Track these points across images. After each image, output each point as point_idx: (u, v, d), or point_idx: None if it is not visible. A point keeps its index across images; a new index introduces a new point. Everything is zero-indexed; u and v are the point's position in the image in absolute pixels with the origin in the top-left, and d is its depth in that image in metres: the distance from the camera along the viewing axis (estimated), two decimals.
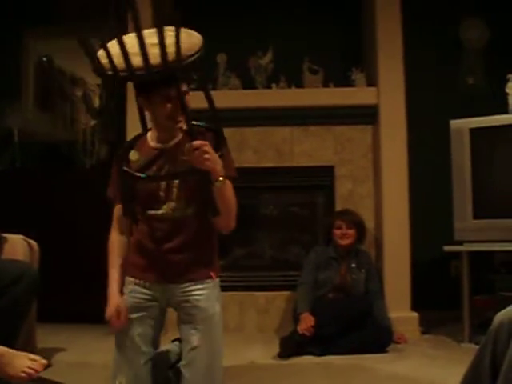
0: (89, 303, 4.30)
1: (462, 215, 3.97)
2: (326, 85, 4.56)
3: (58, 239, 4.33)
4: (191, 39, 2.01)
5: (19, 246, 3.48)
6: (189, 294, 2.26)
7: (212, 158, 2.07)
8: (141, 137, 2.39)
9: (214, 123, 2.25)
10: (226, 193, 2.17)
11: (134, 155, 2.28)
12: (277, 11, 4.80)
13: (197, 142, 2.05)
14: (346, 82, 4.55)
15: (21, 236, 3.54)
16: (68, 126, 5.22)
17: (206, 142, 2.07)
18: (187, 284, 2.26)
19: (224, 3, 4.74)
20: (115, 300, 2.27)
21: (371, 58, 4.54)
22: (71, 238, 4.47)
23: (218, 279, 2.35)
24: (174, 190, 2.26)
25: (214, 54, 4.56)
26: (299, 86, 4.57)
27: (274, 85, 4.55)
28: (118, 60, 1.91)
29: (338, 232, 4.01)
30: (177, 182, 2.25)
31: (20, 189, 4.50)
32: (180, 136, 2.28)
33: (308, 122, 4.50)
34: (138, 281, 2.31)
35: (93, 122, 5.16)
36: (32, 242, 3.57)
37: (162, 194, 2.26)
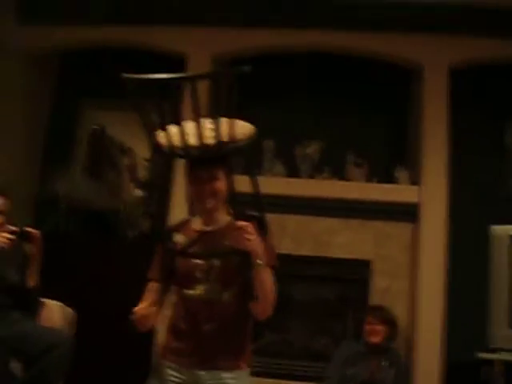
0: (119, 376, 4.36)
1: (497, 322, 3.93)
2: (369, 179, 4.63)
3: (95, 308, 4.36)
4: (244, 127, 2.11)
5: (56, 313, 3.54)
6: (217, 382, 2.21)
7: (254, 240, 2.09)
8: (187, 221, 2.40)
9: (258, 209, 2.24)
10: (265, 277, 2.15)
11: (177, 237, 2.31)
12: (328, 102, 4.93)
13: (240, 223, 2.09)
14: (389, 178, 4.62)
15: (59, 303, 3.60)
16: (113, 194, 5.33)
17: (250, 224, 2.09)
18: (216, 372, 2.21)
19: (277, 91, 4.89)
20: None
21: (416, 156, 4.61)
22: (107, 307, 4.50)
23: (248, 370, 2.29)
24: (213, 272, 2.23)
25: (261, 139, 4.65)
26: (342, 178, 4.65)
27: (317, 175, 4.63)
28: (175, 138, 2.03)
29: (368, 328, 3.98)
30: (217, 264, 2.22)
31: (61, 254, 4.56)
32: (225, 221, 2.29)
33: (349, 215, 4.54)
34: (170, 364, 2.27)
35: (138, 193, 5.27)
36: (69, 309, 3.63)
37: (198, 274, 2.23)
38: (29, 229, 3.30)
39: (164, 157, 2.25)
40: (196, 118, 1.97)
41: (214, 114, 1.97)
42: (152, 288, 2.32)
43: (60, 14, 4.85)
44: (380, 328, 3.96)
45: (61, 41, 4.99)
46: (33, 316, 3.40)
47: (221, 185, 2.20)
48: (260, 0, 4.66)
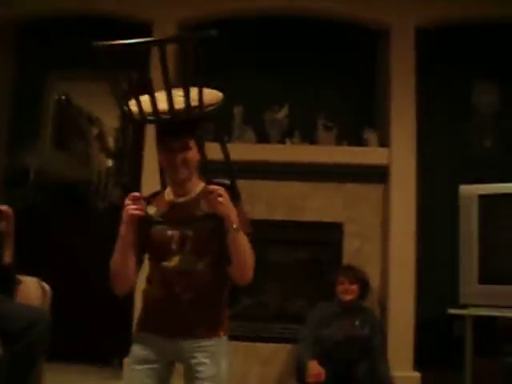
0: (98, 345, 4.39)
1: (467, 279, 4.04)
2: (339, 142, 4.66)
3: (70, 280, 4.37)
4: (212, 94, 2.13)
5: (33, 289, 3.52)
6: (196, 350, 2.23)
7: (226, 204, 2.09)
8: (159, 193, 2.39)
9: (229, 176, 2.24)
10: (241, 242, 2.14)
11: (150, 209, 2.29)
12: (295, 67, 4.92)
13: (212, 187, 2.10)
14: (358, 140, 4.65)
15: (35, 278, 3.59)
16: (83, 165, 5.30)
17: (221, 188, 2.10)
18: (194, 340, 2.23)
19: (244, 57, 4.86)
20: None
21: (384, 118, 4.65)
22: (82, 278, 4.52)
23: (226, 336, 2.30)
24: (187, 243, 2.22)
25: (230, 106, 4.64)
26: (313, 142, 4.67)
27: (287, 140, 4.65)
28: (145, 105, 2.04)
29: (340, 287, 4.03)
30: (190, 234, 2.22)
31: (32, 228, 4.53)
32: (197, 190, 2.28)
33: (320, 179, 4.58)
34: (146, 334, 2.29)
35: (108, 164, 5.24)
36: (45, 284, 3.62)
37: (174, 246, 2.23)
38: (0, 206, 3.28)
39: (134, 124, 2.33)
40: (165, 84, 1.96)
41: (182, 80, 1.98)
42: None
43: None
44: (352, 287, 4.01)
45: (19, 11, 4.87)
46: (10, 294, 3.39)
47: (192, 154, 2.20)
48: None
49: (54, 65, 5.22)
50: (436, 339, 4.57)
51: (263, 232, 4.29)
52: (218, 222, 2.12)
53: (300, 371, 3.84)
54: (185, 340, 2.23)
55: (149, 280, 2.33)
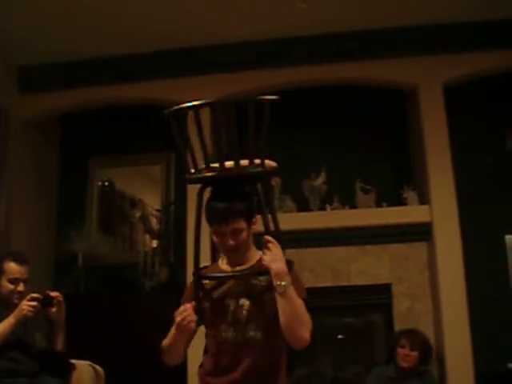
0: None
1: None
2: (378, 204, 4.67)
3: (122, 361, 4.38)
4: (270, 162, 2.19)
5: (86, 373, 3.57)
6: None
7: (276, 257, 2.03)
8: (211, 265, 2.36)
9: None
10: (292, 299, 2.01)
11: (204, 281, 2.24)
12: (328, 134, 5.01)
13: (269, 237, 2.07)
14: (398, 200, 4.66)
15: (87, 362, 3.63)
16: (128, 248, 5.39)
17: (274, 240, 2.07)
18: None
19: (277, 129, 4.95)
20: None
21: (422, 176, 4.66)
22: (135, 360, 4.52)
23: None
24: (244, 312, 2.15)
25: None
26: (352, 205, 4.69)
27: (327, 205, 4.69)
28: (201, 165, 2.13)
29: (400, 352, 3.90)
30: (247, 304, 2.15)
31: (83, 313, 4.57)
32: (253, 261, 2.19)
33: (363, 242, 4.58)
34: None
35: (153, 244, 5.31)
36: (98, 367, 3.65)
37: (229, 316, 2.16)
38: (52, 293, 3.35)
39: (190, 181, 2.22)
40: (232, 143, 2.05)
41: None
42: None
43: (59, 79, 4.97)
44: (412, 353, 3.88)
45: (61, 104, 5.12)
46: (65, 379, 3.43)
47: (243, 236, 2.13)
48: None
49: (95, 152, 5.42)
50: None
51: (311, 300, 4.29)
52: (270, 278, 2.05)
53: None
54: None
55: (205, 350, 2.26)
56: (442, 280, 4.35)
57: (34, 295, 3.25)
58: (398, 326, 4.41)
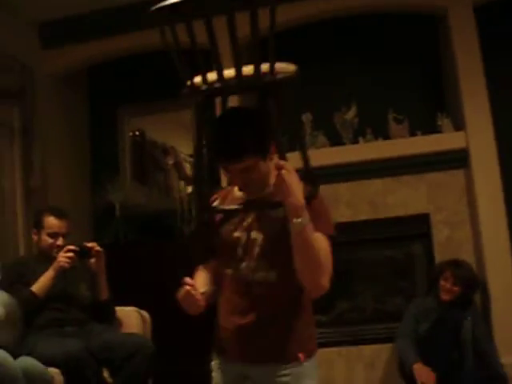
0: (200, 370, 4.44)
1: None
2: (412, 133, 4.58)
3: (166, 308, 4.45)
4: (282, 65, 1.79)
5: (133, 318, 3.67)
6: (274, 376, 1.88)
7: (291, 188, 1.66)
8: (226, 189, 2.09)
9: (309, 178, 1.84)
10: (309, 241, 1.70)
11: (217, 205, 2.01)
12: (356, 66, 4.89)
13: (281, 162, 1.70)
14: (432, 128, 4.56)
15: (134, 308, 3.72)
16: (164, 195, 5.42)
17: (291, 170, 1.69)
18: (271, 365, 1.89)
19: (303, 65, 4.86)
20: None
21: (455, 102, 4.54)
22: (177, 306, 4.59)
23: (310, 360, 1.92)
24: (256, 248, 1.88)
25: (299, 113, 4.64)
26: (386, 137, 4.61)
27: (360, 138, 4.62)
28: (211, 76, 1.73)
29: (443, 284, 3.83)
30: (260, 238, 1.88)
31: (125, 263, 4.64)
32: (271, 188, 1.83)
33: (399, 173, 4.51)
34: (222, 359, 2.00)
35: (188, 190, 5.33)
36: (144, 313, 3.74)
37: (240, 251, 1.91)
38: (89, 244, 3.41)
39: (200, 96, 1.83)
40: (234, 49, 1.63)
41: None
42: (199, 267, 2.08)
43: (81, 31, 4.93)
44: (454, 288, 3.80)
45: (85, 57, 5.09)
46: (111, 326, 3.52)
47: (256, 174, 1.83)
48: None
49: (124, 101, 5.41)
50: None
51: (349, 234, 4.29)
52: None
53: (403, 371, 3.77)
54: (259, 365, 1.91)
55: (219, 291, 2.02)
56: (480, 206, 4.28)
57: (70, 247, 3.34)
58: (438, 257, 4.37)
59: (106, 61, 5.17)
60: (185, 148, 5.41)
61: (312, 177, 1.83)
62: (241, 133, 1.77)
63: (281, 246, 1.80)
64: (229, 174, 1.85)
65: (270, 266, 1.87)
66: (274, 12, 1.57)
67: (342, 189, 4.55)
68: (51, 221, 3.49)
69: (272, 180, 1.79)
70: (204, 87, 1.74)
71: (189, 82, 1.76)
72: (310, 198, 1.77)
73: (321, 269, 1.75)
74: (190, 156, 5.34)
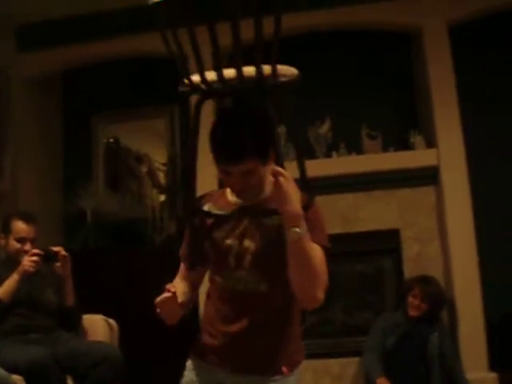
0: (170, 380, 4.41)
1: None
2: (385, 149, 4.62)
3: (134, 316, 4.43)
4: (288, 68, 1.78)
5: (100, 326, 3.63)
6: None
7: (289, 195, 1.60)
8: (218, 192, 2.00)
9: (304, 187, 1.78)
10: (306, 252, 1.65)
11: (209, 207, 1.92)
12: (332, 80, 4.91)
13: (277, 169, 1.64)
14: (404, 144, 4.61)
15: (101, 316, 3.68)
16: (136, 203, 5.39)
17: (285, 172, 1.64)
18: (254, 377, 1.85)
19: None
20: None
21: (428, 119, 4.60)
22: (146, 314, 4.56)
23: (294, 372, 1.90)
24: (248, 256, 1.82)
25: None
26: (359, 152, 4.64)
27: (334, 152, 4.65)
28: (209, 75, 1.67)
29: (411, 300, 3.87)
30: (252, 246, 1.82)
31: (94, 269, 4.58)
32: (267, 193, 1.81)
33: (370, 188, 4.55)
34: (200, 362, 1.95)
35: (161, 199, 5.32)
36: (111, 321, 3.71)
37: (231, 259, 1.84)
38: (55, 248, 3.38)
39: (198, 94, 1.76)
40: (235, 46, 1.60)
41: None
42: (182, 269, 2.00)
43: (57, 36, 4.90)
44: (422, 305, 3.85)
45: (60, 61, 5.06)
46: (77, 333, 3.48)
47: (255, 178, 1.78)
48: None
49: (98, 108, 5.38)
50: (510, 337, 4.43)
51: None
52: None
53: None
54: (240, 375, 1.87)
55: (208, 294, 1.99)
56: (450, 223, 4.33)
57: (35, 251, 3.31)
58: (407, 272, 4.42)
59: (82, 66, 5.13)
60: (159, 156, 5.38)
61: (308, 186, 1.80)
62: (243, 133, 1.72)
63: (274, 255, 1.77)
64: (228, 177, 1.79)
65: (262, 276, 1.83)
66: (279, 19, 1.62)
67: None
68: (19, 225, 3.45)
69: (268, 187, 1.77)
70: (203, 87, 1.69)
71: (186, 81, 1.72)
72: (307, 207, 1.73)
73: (317, 280, 1.71)
74: (164, 164, 5.32)
